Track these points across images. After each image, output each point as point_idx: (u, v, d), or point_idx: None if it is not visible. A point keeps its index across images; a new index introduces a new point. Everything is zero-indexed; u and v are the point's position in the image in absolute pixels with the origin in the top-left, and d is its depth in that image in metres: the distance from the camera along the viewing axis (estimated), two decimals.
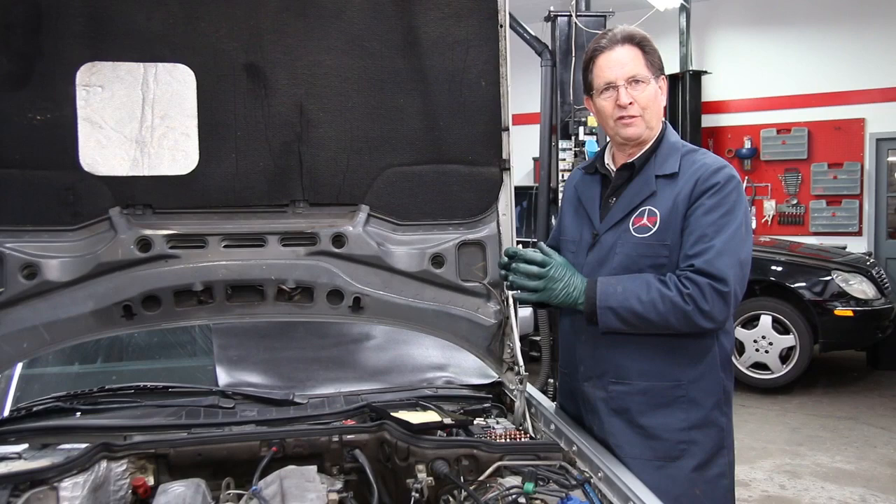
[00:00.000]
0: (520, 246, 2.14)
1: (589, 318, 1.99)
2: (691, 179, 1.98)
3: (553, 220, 5.87)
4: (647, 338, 1.99)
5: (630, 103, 2.00)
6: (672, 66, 9.77)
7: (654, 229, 1.98)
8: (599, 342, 2.04)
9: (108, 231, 2.03)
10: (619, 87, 2.00)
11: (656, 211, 1.99)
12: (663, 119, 2.12)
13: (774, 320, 6.70)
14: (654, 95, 2.04)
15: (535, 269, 2.00)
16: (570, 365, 2.18)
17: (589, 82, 2.09)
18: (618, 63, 2.01)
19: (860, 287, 6.66)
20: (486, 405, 2.25)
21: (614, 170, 2.12)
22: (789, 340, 6.67)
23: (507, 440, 1.96)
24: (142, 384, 2.24)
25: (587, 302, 1.97)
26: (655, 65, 2.04)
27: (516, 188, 2.35)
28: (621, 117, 2.02)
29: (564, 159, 5.97)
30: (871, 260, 7.61)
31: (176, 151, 2.06)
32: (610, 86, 2.02)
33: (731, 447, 2.09)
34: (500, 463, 1.81)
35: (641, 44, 2.03)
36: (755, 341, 6.74)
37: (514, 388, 2.22)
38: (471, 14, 2.19)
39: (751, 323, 6.77)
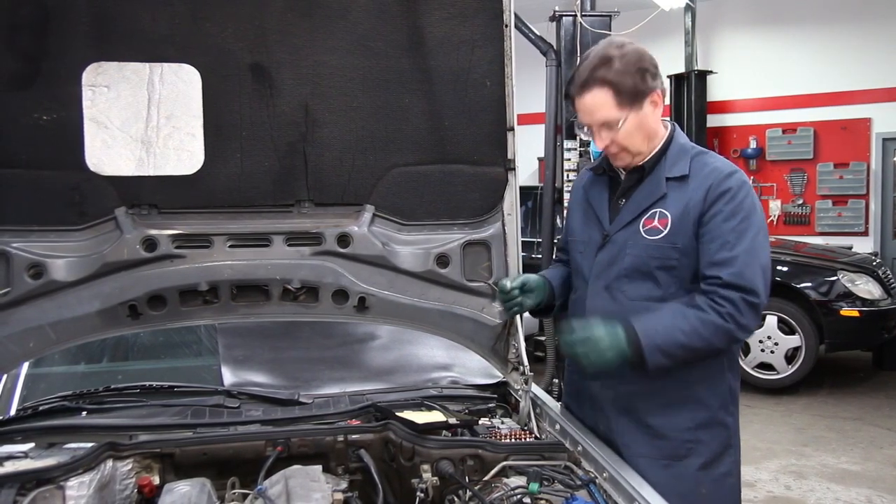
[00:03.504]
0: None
1: (635, 364, 1.91)
2: (703, 184, 1.96)
3: (558, 220, 5.88)
4: None
5: (607, 145, 2.01)
6: (677, 66, 9.76)
7: (666, 232, 1.97)
8: None
9: (113, 231, 2.03)
10: (594, 130, 2.01)
11: (667, 213, 1.98)
12: (671, 121, 2.11)
13: (780, 320, 6.67)
14: (632, 129, 1.99)
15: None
16: (578, 364, 2.17)
17: None
18: (586, 111, 2.00)
19: (866, 287, 6.63)
20: (490, 405, 2.26)
21: (623, 171, 2.12)
22: (795, 341, 6.64)
23: (512, 440, 1.97)
24: (147, 384, 2.25)
25: (631, 348, 1.89)
26: (631, 96, 1.96)
27: (521, 188, 2.35)
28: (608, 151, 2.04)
29: (569, 159, 5.97)
30: (878, 260, 7.57)
31: (181, 151, 2.06)
32: (588, 126, 2.03)
33: (737, 447, 2.09)
34: (504, 463, 1.81)
35: (611, 80, 1.94)
36: (760, 341, 6.72)
37: (518, 388, 2.21)
38: (476, 14, 2.19)
39: None
